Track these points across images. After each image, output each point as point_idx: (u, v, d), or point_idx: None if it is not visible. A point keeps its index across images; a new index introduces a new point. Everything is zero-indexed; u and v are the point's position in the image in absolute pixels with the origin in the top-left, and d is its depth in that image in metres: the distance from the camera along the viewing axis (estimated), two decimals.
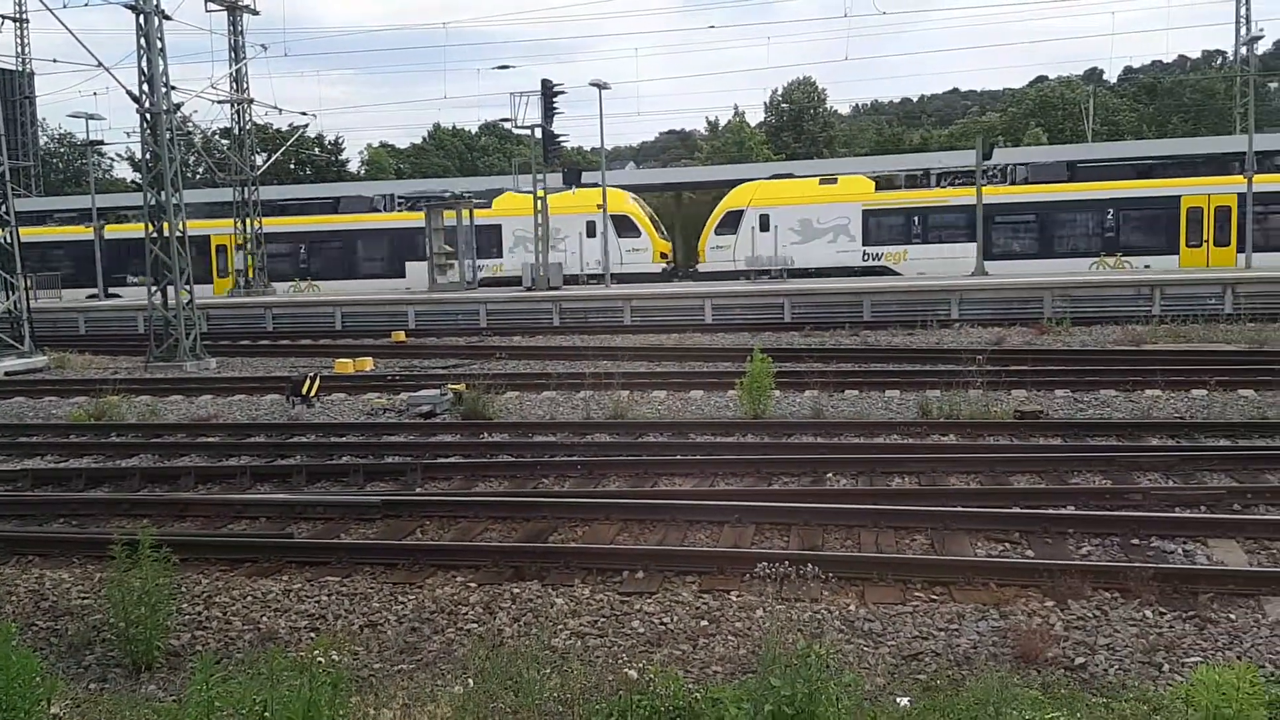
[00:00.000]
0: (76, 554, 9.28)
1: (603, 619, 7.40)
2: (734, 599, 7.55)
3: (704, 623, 7.24)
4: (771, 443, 12.88)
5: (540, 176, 34.86)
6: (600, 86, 35.25)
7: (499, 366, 20.80)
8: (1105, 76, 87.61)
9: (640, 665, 6.51)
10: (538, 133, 34.98)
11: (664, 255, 38.10)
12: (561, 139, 36.57)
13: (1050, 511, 9.30)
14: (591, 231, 36.13)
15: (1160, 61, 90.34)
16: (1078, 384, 15.99)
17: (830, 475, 11.20)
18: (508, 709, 5.58)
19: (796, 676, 4.96)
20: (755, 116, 79.69)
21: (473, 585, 8.12)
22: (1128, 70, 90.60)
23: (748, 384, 14.49)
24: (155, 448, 14.08)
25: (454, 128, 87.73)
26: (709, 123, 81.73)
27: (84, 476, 12.35)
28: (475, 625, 7.47)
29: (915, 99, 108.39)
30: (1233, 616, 7.00)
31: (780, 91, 76.12)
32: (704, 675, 6.50)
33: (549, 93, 34.55)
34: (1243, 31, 49.86)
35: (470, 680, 6.18)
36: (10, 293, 24.83)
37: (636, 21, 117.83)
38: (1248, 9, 49.52)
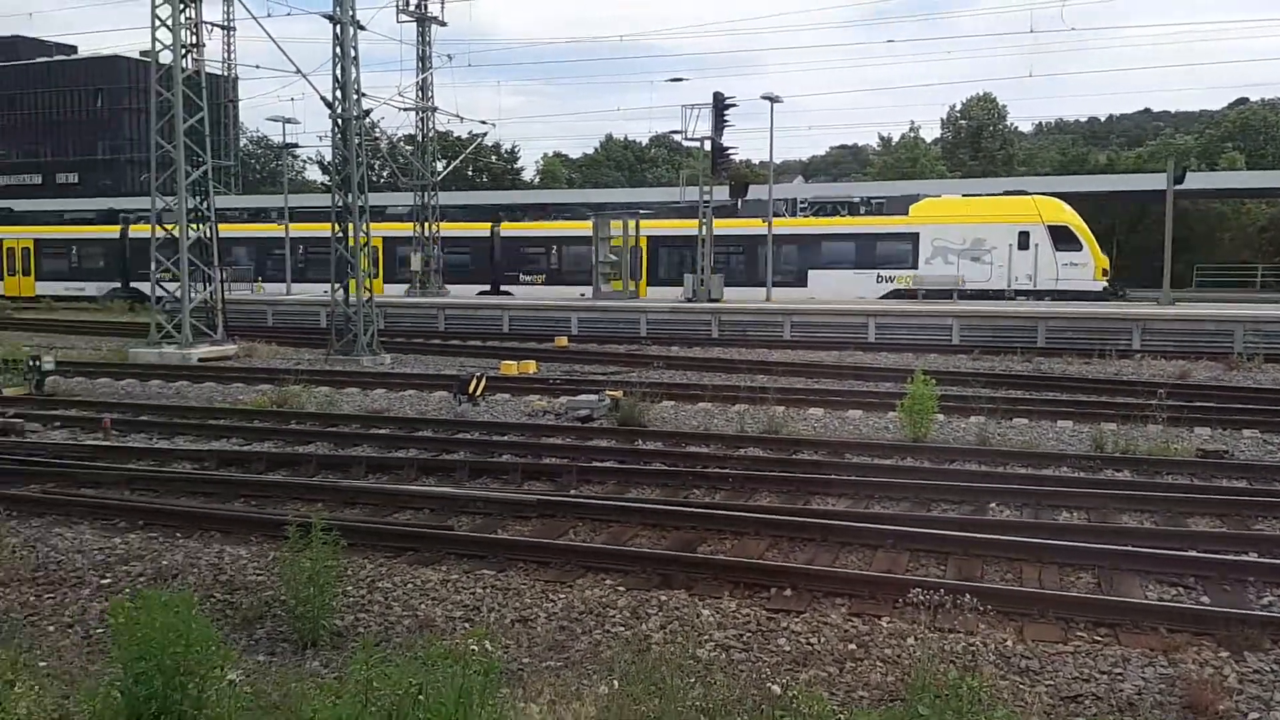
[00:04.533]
0: (254, 533, 9.81)
1: (748, 634, 7.37)
2: (884, 625, 7.40)
3: (852, 646, 7.12)
4: (931, 468, 12.55)
5: (707, 189, 35.01)
6: (772, 100, 35.15)
7: (656, 375, 20.96)
8: None
9: (784, 682, 6.47)
10: (707, 145, 35.14)
11: None
12: (730, 152, 36.62)
13: (1230, 557, 8.76)
14: None
15: None
16: (1268, 424, 14.99)
17: (993, 505, 10.82)
18: (650, 713, 5.62)
19: (946, 707, 4.83)
20: (932, 132, 77.96)
21: (621, 589, 8.22)
22: None
23: (909, 406, 14.17)
24: (331, 436, 14.78)
25: (625, 139, 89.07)
26: (881, 138, 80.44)
27: (264, 460, 13.08)
28: (622, 629, 7.55)
29: (1103, 118, 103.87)
30: None
31: (958, 107, 74.24)
32: (850, 699, 6.40)
33: (720, 106, 34.65)
34: None
35: (615, 682, 6.26)
36: (207, 284, 26.54)
37: (813, 35, 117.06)
38: None
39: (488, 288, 41.76)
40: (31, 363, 19.49)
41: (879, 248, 35.28)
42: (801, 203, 39.56)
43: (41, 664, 6.66)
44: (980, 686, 5.03)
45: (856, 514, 10.36)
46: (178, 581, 8.48)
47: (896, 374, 20.18)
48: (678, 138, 37.80)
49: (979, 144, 70.86)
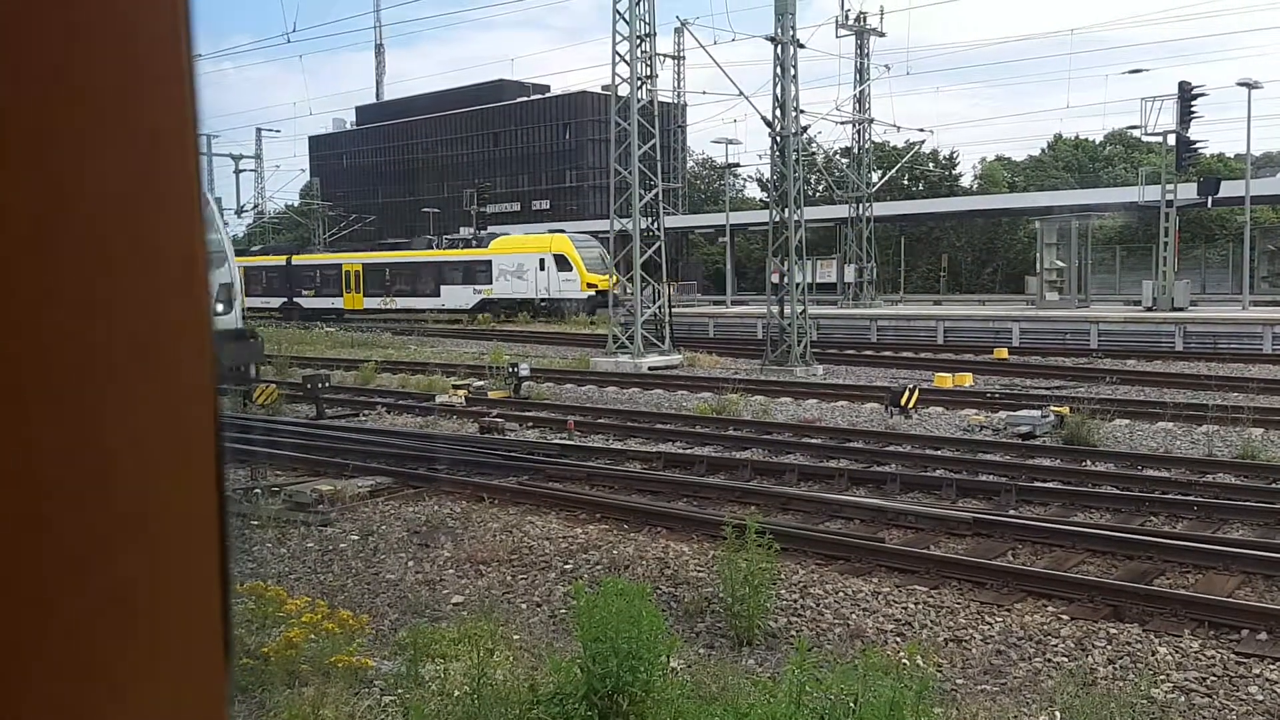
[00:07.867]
0: (695, 531, 10.38)
1: (1213, 678, 6.66)
2: None
3: None
4: None
5: (1170, 187, 31.91)
6: (1249, 86, 31.37)
7: (1108, 391, 19.43)
8: None
9: None
10: (1170, 139, 32.05)
11: None
12: (1198, 146, 33.12)
13: None
14: None
15: None
16: None
17: None
18: None
19: None
20: None
21: (1064, 618, 7.77)
22: None
23: None
24: (765, 444, 15.28)
25: (1076, 138, 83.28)
26: None
27: (704, 463, 13.82)
28: (1065, 659, 7.13)
29: None
30: None
31: None
32: None
33: (1186, 96, 31.47)
34: None
35: (1057, 714, 5.94)
36: (656, 298, 28.48)
37: None
38: None
39: None
40: (511, 369, 22.04)
41: (472, 271, 48.87)
42: (447, 238, 54.58)
43: (515, 636, 7.52)
44: None
45: None
46: (628, 572, 9.20)
47: None
48: (1136, 133, 34.92)
49: None
